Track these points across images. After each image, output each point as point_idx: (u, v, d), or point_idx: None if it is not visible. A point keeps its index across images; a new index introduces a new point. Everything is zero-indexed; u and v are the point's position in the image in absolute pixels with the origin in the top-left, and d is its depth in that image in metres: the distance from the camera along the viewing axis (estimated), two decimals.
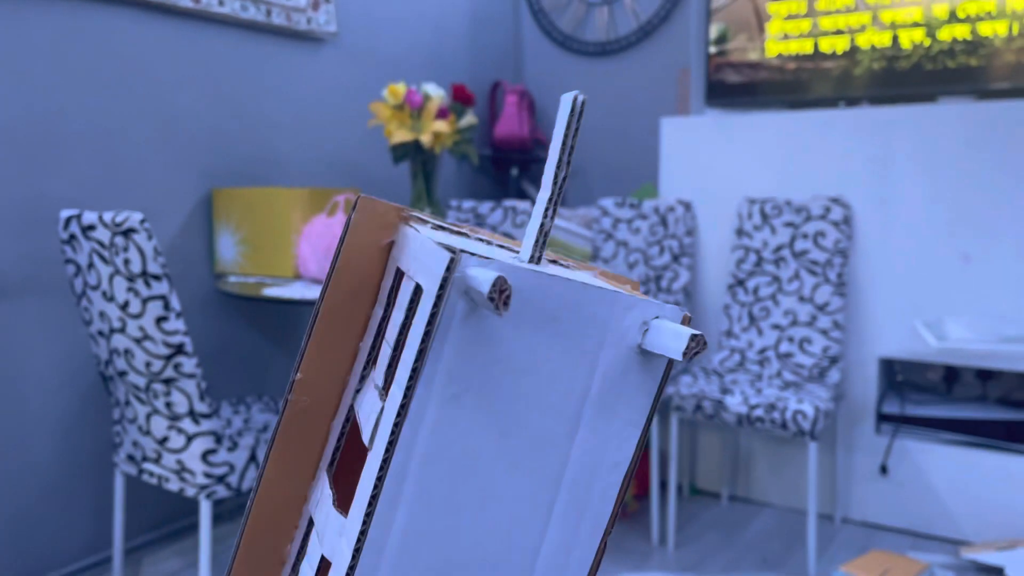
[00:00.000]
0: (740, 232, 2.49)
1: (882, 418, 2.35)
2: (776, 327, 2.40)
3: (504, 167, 3.29)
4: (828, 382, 2.28)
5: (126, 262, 1.52)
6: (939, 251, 2.23)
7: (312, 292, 1.87)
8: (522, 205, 2.82)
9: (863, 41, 2.39)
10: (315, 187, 2.19)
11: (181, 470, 1.64)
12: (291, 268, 2.05)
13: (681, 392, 2.23)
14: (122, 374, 1.65)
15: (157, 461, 1.68)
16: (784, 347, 2.37)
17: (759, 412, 2.11)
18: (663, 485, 2.34)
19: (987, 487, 2.18)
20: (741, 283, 2.48)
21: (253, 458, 1.67)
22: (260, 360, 2.35)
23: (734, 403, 2.15)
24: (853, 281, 2.36)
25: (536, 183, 3.34)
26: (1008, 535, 2.10)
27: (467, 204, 2.87)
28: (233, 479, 1.64)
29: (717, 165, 2.57)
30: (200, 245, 2.17)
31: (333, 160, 2.52)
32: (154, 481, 1.70)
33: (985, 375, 2.36)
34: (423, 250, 0.31)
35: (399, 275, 0.34)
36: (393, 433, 0.28)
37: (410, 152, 2.04)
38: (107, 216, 1.52)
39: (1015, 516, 2.14)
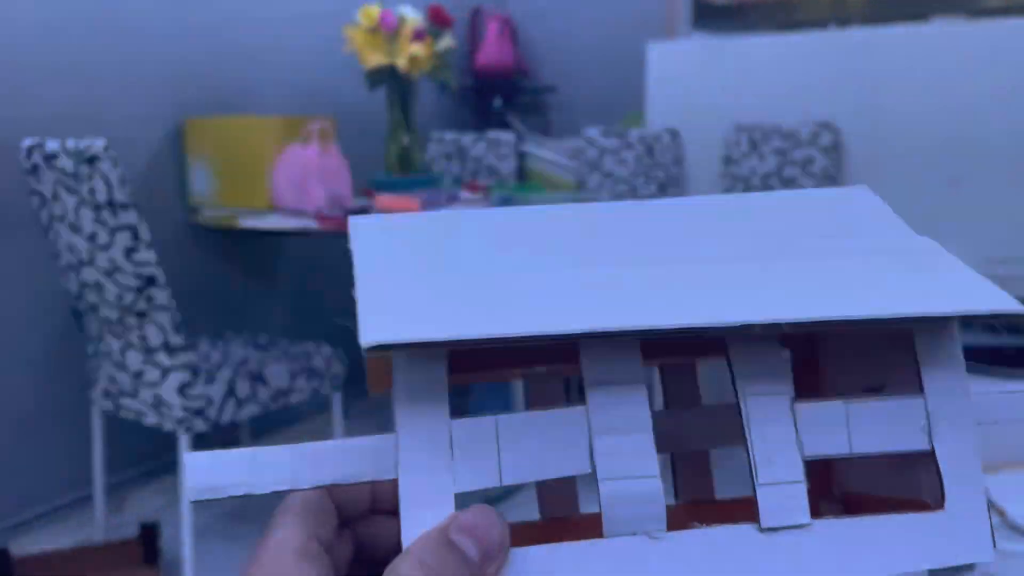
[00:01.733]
0: (728, 160, 2.44)
1: None
2: None
3: (487, 97, 3.21)
4: None
5: (91, 191, 1.46)
6: (929, 176, 2.19)
7: (288, 223, 1.82)
8: (505, 136, 2.76)
9: None
10: (289, 116, 2.12)
11: (158, 404, 1.61)
12: (266, 199, 2.00)
13: None
14: (94, 308, 1.61)
15: (134, 396, 1.65)
16: None
17: None
18: None
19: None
20: None
21: (231, 392, 1.65)
22: (239, 295, 2.32)
23: None
24: None
25: (520, 113, 3.27)
26: (993, 460, 2.12)
27: (449, 136, 2.80)
28: (211, 412, 1.62)
29: (705, 91, 2.51)
30: (172, 178, 2.11)
31: (307, 88, 2.44)
32: (131, 416, 1.67)
33: None
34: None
35: None
36: None
37: (386, 78, 1.97)
38: (70, 144, 1.46)
39: (999, 441, 2.14)
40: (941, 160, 2.17)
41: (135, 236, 1.49)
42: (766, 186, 2.38)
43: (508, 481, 0.27)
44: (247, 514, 2.05)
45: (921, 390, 0.29)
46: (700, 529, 0.27)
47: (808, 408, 0.28)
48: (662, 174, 2.53)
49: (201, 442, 2.18)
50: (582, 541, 0.26)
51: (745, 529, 0.27)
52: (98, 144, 1.44)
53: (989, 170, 2.11)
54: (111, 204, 1.46)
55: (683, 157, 2.56)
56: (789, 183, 2.34)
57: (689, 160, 2.56)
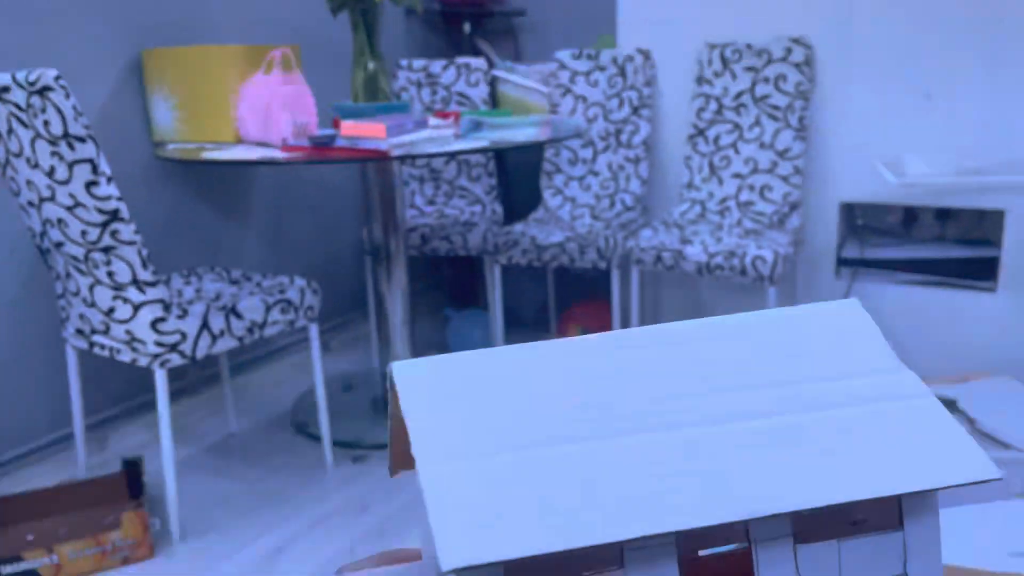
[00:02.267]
0: (700, 80, 2.41)
1: (842, 263, 2.36)
2: (737, 176, 2.36)
3: (456, 23, 3.14)
4: (788, 228, 2.27)
5: (46, 124, 1.43)
6: (902, 90, 2.17)
7: (254, 154, 1.79)
8: (476, 62, 2.71)
9: None
10: (250, 44, 2.07)
11: (131, 340, 1.61)
12: (232, 132, 1.96)
13: (641, 245, 2.20)
14: (58, 245, 1.59)
15: (106, 333, 1.64)
16: (744, 196, 2.35)
17: (719, 260, 2.10)
18: None
19: (943, 325, 2.22)
20: (702, 132, 2.42)
21: (206, 326, 1.64)
22: (210, 230, 2.29)
23: (693, 252, 2.13)
24: (815, 125, 2.31)
25: (490, 39, 3.20)
26: (961, 369, 2.16)
27: (418, 63, 2.74)
28: (186, 347, 1.61)
29: (676, 10, 2.46)
30: (134, 112, 2.06)
31: (268, 14, 2.38)
32: (106, 353, 1.67)
33: (943, 215, 2.36)
34: None
35: None
36: None
37: (348, 1, 1.92)
38: (19, 75, 1.42)
39: (968, 351, 2.18)
40: (914, 73, 2.15)
41: (94, 170, 1.46)
42: (739, 105, 2.35)
43: None
44: (230, 448, 2.06)
45: (901, 525, 0.35)
46: None
47: (808, 548, 0.34)
48: (635, 95, 2.50)
49: (180, 377, 2.19)
50: None
51: None
52: (49, 74, 1.40)
53: (962, 83, 2.10)
54: (67, 137, 1.42)
55: (655, 78, 2.53)
56: (761, 100, 2.31)
57: (661, 81, 2.53)
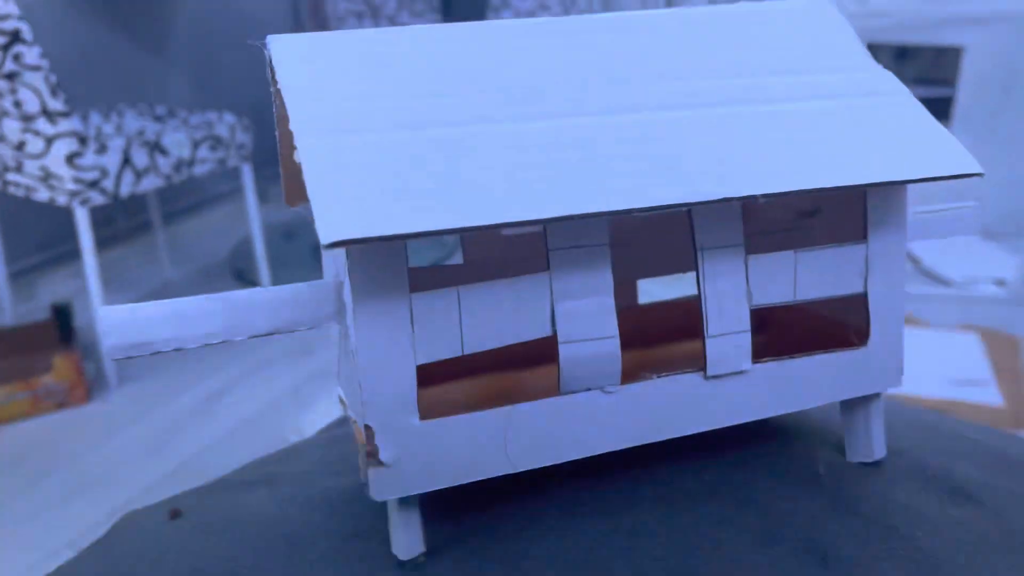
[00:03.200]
0: None
1: None
2: None
3: None
4: None
5: None
6: None
7: None
8: None
9: None
10: None
11: (47, 177, 1.50)
12: None
13: None
14: None
15: (19, 170, 1.52)
16: None
17: None
18: None
19: None
20: None
21: (128, 161, 1.53)
22: (131, 65, 2.13)
23: None
24: None
25: None
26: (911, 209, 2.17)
27: None
28: (108, 184, 1.51)
29: None
30: None
31: None
32: (21, 192, 1.56)
33: (902, 55, 2.30)
34: None
35: None
36: None
37: None
38: None
39: (919, 190, 2.18)
40: None
41: None
42: None
43: (469, 350, 0.27)
44: (166, 295, 2.00)
45: (865, 237, 0.30)
46: (650, 381, 0.28)
47: (760, 260, 0.29)
48: None
49: (108, 223, 2.08)
50: (539, 400, 0.27)
51: (692, 378, 0.28)
52: None
53: None
54: None
55: None
56: None
57: None
